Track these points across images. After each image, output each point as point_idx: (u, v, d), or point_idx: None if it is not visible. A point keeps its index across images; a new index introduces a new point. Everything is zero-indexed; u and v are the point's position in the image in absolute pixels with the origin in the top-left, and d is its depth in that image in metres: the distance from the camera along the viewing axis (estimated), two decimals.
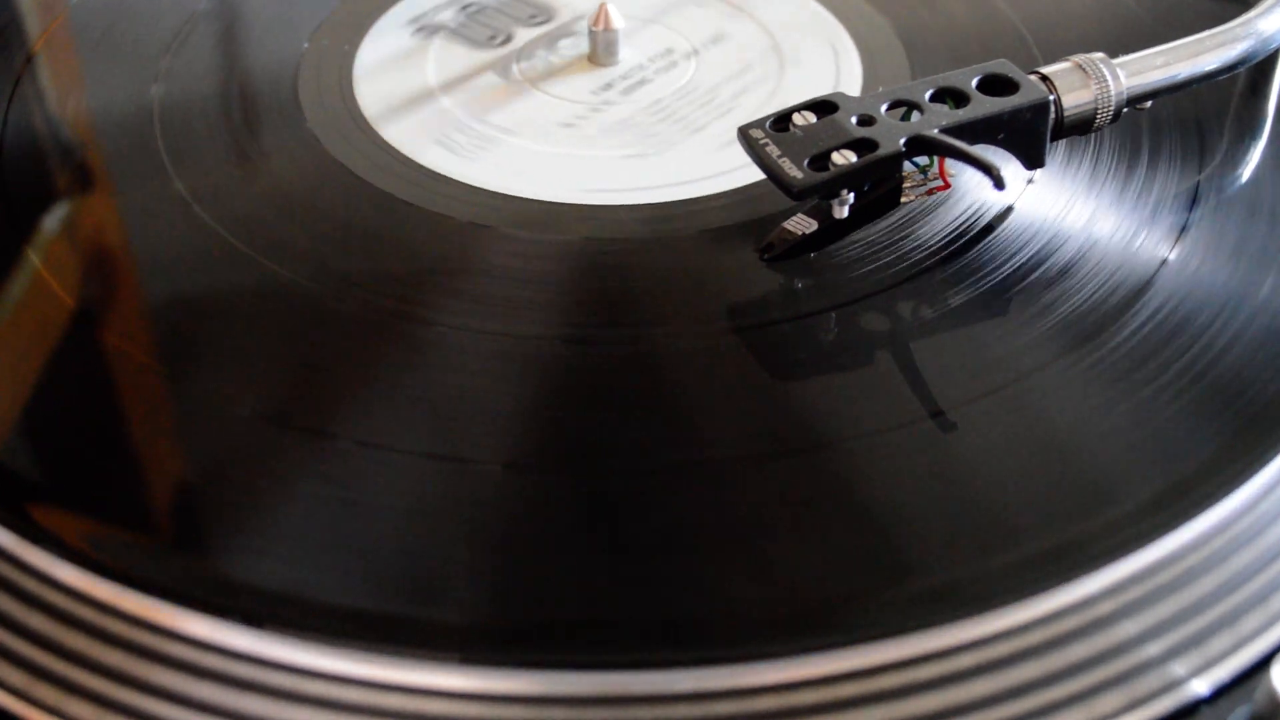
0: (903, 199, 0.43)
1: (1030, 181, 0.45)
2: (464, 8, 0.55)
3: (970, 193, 0.45)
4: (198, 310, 0.42)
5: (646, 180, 0.46)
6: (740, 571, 0.34)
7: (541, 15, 0.55)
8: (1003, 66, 0.43)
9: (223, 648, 0.33)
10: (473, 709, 0.32)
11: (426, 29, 0.54)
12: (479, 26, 0.54)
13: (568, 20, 0.55)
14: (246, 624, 0.33)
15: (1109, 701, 0.32)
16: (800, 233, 0.43)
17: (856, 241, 0.43)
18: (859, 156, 0.40)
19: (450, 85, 0.52)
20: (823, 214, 0.43)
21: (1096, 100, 0.43)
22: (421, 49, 0.53)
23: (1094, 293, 0.41)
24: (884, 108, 0.42)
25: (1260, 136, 0.48)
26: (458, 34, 0.54)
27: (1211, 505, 0.35)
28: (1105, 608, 0.33)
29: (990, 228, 0.44)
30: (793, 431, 0.38)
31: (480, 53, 0.53)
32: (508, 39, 0.54)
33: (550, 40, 0.54)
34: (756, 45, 0.53)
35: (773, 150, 0.41)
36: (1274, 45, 0.46)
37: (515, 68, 0.52)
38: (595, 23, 0.52)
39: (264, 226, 0.45)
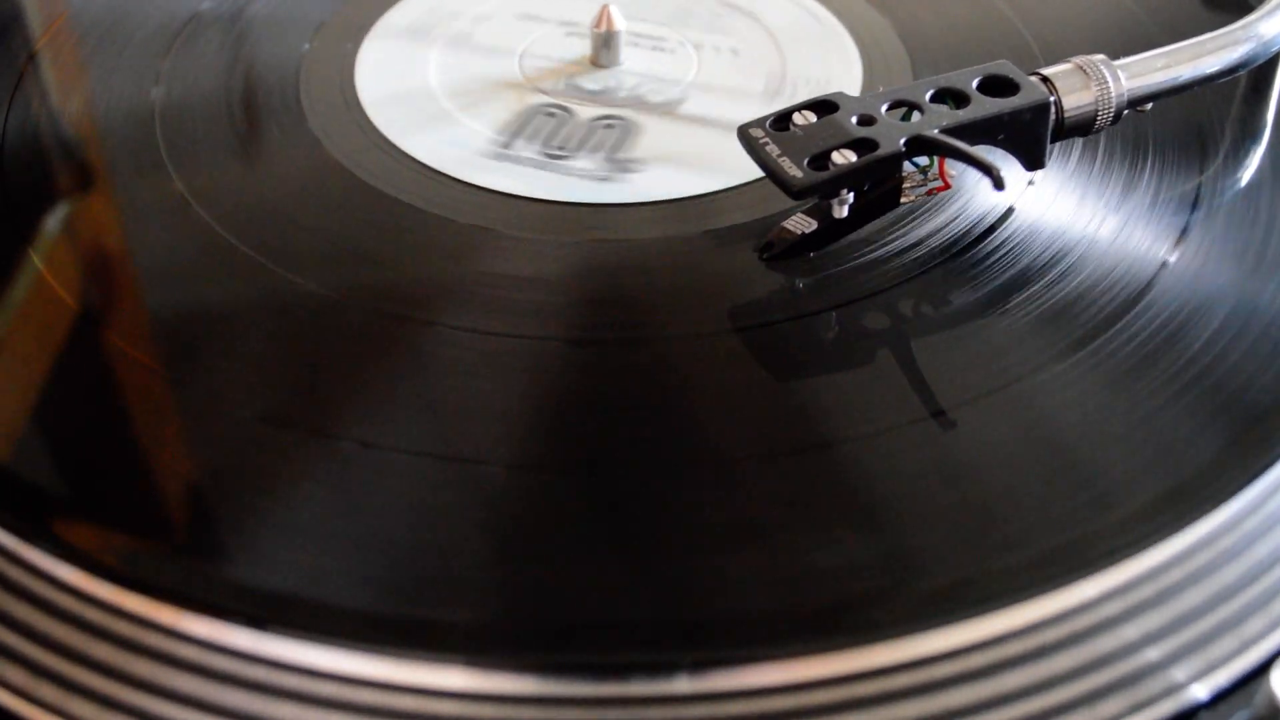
0: (902, 199, 0.43)
1: (1031, 183, 0.45)
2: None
3: (970, 193, 0.45)
4: (199, 311, 0.42)
5: (645, 180, 0.46)
6: (743, 572, 0.34)
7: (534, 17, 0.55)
8: (1003, 67, 0.43)
9: (226, 648, 0.33)
10: (477, 709, 0.32)
11: (421, 38, 0.54)
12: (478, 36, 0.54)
13: (562, 21, 0.55)
14: (250, 625, 0.33)
15: (1109, 706, 0.32)
16: (800, 232, 0.43)
17: (856, 241, 0.43)
18: (859, 156, 0.40)
19: (450, 84, 0.51)
20: (822, 214, 0.43)
21: (1097, 102, 0.43)
22: (422, 53, 0.53)
23: (1094, 294, 0.42)
24: (884, 108, 0.42)
25: (1261, 139, 0.48)
26: (455, 44, 0.54)
27: (1212, 509, 0.35)
28: (1105, 611, 0.33)
29: (991, 229, 0.44)
30: (794, 431, 0.38)
31: (483, 60, 0.53)
32: (507, 48, 0.54)
33: (551, 44, 0.54)
34: (757, 45, 0.53)
35: (773, 149, 0.41)
36: (1275, 48, 0.46)
37: (518, 69, 0.52)
38: (597, 24, 0.52)
39: (266, 227, 0.45)
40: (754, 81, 0.51)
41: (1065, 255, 0.43)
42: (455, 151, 0.48)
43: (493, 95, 0.51)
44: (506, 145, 0.49)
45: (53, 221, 0.46)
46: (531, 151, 0.48)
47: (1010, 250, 0.43)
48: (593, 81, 0.52)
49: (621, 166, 0.47)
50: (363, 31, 0.54)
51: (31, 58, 0.54)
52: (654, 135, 0.49)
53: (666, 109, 0.50)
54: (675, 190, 0.46)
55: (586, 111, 0.50)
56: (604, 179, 0.47)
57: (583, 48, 0.53)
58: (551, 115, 0.50)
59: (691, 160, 0.47)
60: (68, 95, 0.52)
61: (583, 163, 0.48)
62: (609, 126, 0.49)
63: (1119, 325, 0.41)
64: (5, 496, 0.36)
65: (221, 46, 0.54)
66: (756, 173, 0.42)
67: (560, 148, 0.48)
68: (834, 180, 0.40)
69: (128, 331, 0.42)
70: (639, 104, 0.50)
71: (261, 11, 0.56)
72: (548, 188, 0.46)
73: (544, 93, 0.51)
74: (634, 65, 0.52)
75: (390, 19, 0.55)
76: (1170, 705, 0.33)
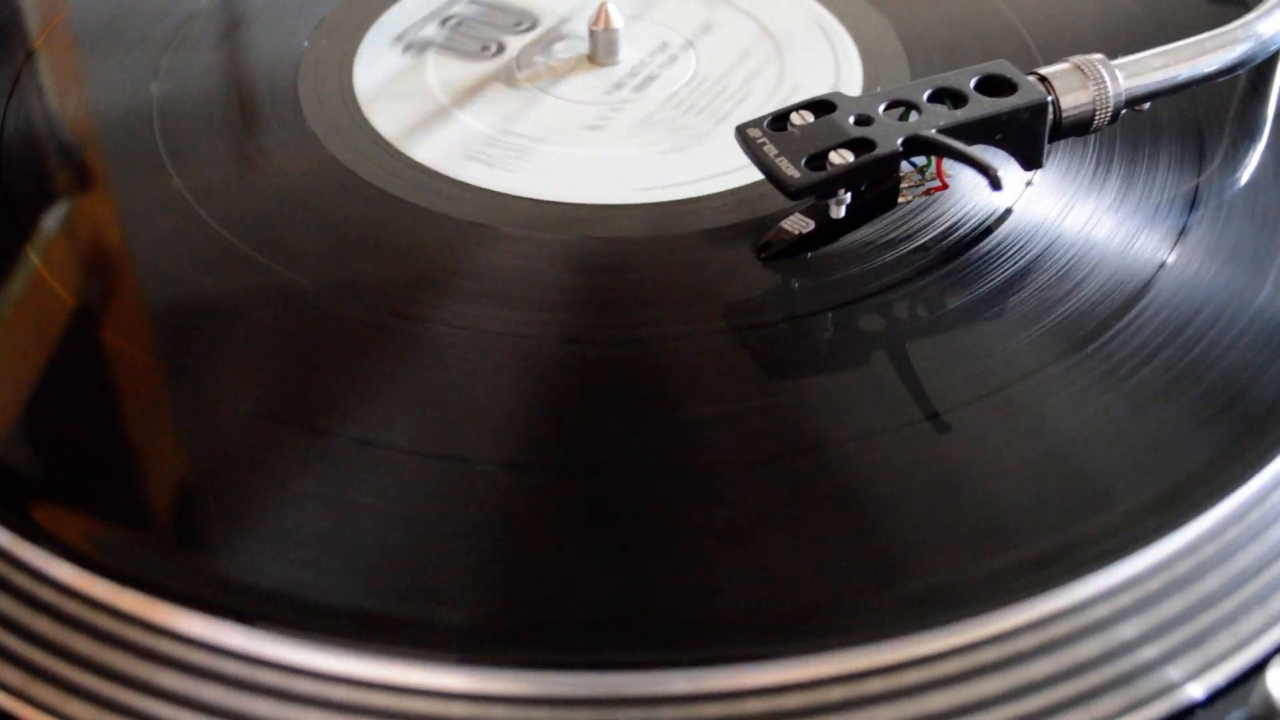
0: (900, 199, 0.43)
1: (1029, 183, 0.45)
2: (444, 21, 0.55)
3: (968, 193, 0.45)
4: (197, 309, 0.42)
5: (645, 180, 0.46)
6: (737, 573, 0.34)
7: (525, 22, 0.55)
8: (1001, 67, 0.43)
9: (219, 646, 0.33)
10: (469, 709, 0.32)
11: (414, 46, 0.53)
12: (467, 39, 0.54)
13: (554, 24, 0.54)
14: (243, 623, 0.33)
15: (1104, 705, 0.32)
16: (797, 232, 0.43)
17: (854, 241, 0.43)
18: (856, 156, 0.40)
19: (455, 91, 0.51)
20: (820, 214, 0.43)
21: (1095, 101, 0.43)
22: (421, 50, 0.53)
23: (1092, 295, 0.41)
24: (882, 108, 0.42)
25: (1260, 139, 0.48)
26: (448, 48, 0.53)
27: (1208, 509, 0.35)
28: (1101, 611, 0.33)
29: (988, 229, 0.44)
30: (789, 432, 0.38)
31: (476, 64, 0.53)
32: (500, 49, 0.53)
33: (544, 46, 0.54)
34: (757, 46, 0.53)
35: (770, 149, 0.41)
36: (1273, 48, 0.46)
37: (519, 75, 0.52)
38: (596, 23, 0.52)
39: (263, 225, 0.45)
40: (754, 82, 0.51)
41: (1063, 256, 0.43)
42: (451, 149, 0.48)
43: (492, 93, 0.51)
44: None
45: (51, 219, 0.46)
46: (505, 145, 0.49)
47: (1008, 251, 0.43)
48: (599, 79, 0.52)
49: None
50: (362, 29, 0.54)
51: (30, 55, 0.54)
52: (624, 138, 0.49)
53: (649, 113, 0.50)
54: (673, 190, 0.46)
55: (568, 107, 0.51)
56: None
57: (576, 48, 0.53)
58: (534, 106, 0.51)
59: (641, 165, 0.47)
60: (66, 93, 0.52)
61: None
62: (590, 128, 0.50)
63: (1117, 326, 0.40)
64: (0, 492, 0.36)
65: (220, 44, 0.54)
66: (755, 173, 0.42)
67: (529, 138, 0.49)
68: (831, 180, 0.40)
69: (125, 328, 0.42)
70: (624, 104, 0.51)
71: (260, 9, 0.56)
72: (407, 140, 0.48)
73: (556, 96, 0.51)
74: (633, 67, 0.52)
75: (390, 16, 0.55)
76: (1166, 704, 0.33)
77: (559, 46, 0.53)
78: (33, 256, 0.44)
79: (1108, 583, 0.34)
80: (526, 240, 0.44)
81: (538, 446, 0.38)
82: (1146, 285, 0.42)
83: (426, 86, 0.51)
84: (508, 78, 0.52)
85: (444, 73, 0.52)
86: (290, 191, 0.46)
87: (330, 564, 0.34)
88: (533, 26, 0.54)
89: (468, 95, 0.51)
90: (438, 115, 0.50)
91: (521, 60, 0.53)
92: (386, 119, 0.49)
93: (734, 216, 0.45)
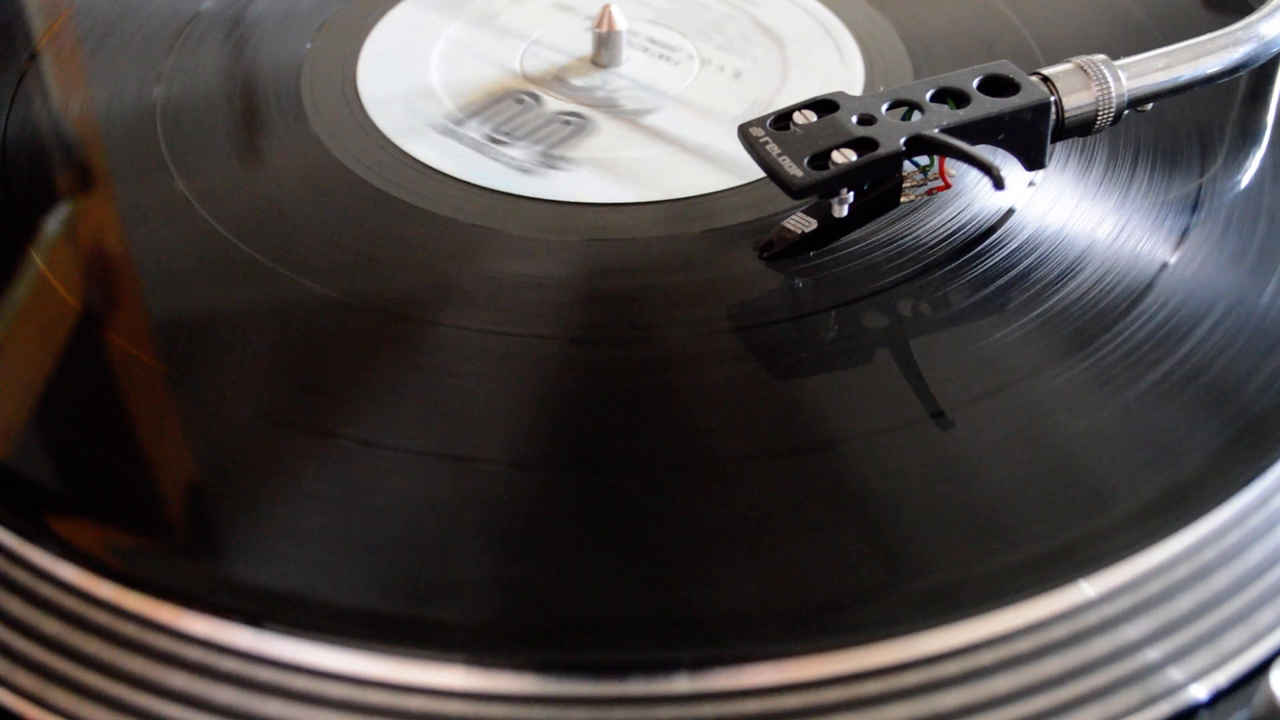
0: (903, 198, 0.43)
1: (1031, 184, 0.45)
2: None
3: (971, 193, 0.45)
4: (201, 311, 0.42)
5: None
6: (742, 572, 0.34)
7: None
8: (1004, 67, 0.43)
9: (226, 647, 0.33)
10: (477, 708, 0.32)
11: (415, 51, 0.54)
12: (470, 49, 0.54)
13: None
14: (250, 623, 0.33)
15: (1108, 706, 0.32)
16: (800, 231, 0.43)
17: (856, 241, 0.43)
18: (859, 155, 0.40)
19: (460, 93, 0.51)
20: (822, 213, 0.43)
21: (1097, 102, 0.43)
22: (424, 51, 0.53)
23: (1095, 295, 0.42)
24: (885, 107, 0.42)
25: (1262, 140, 0.48)
26: (451, 52, 0.53)
27: (1210, 510, 0.35)
28: (1104, 612, 0.33)
29: (991, 229, 0.44)
30: (793, 431, 0.38)
31: (481, 67, 0.53)
32: (502, 53, 0.53)
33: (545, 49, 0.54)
34: (761, 46, 0.53)
35: (773, 149, 0.41)
36: (1275, 49, 0.46)
37: (525, 76, 0.52)
38: (599, 24, 0.52)
39: (266, 227, 0.45)
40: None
41: (1066, 256, 0.43)
42: (456, 150, 0.48)
43: (491, 92, 0.51)
44: (459, 123, 0.49)
45: (54, 221, 0.46)
46: (477, 132, 0.49)
47: (1010, 251, 0.43)
48: (582, 79, 0.52)
49: (550, 162, 0.47)
50: (365, 31, 0.54)
51: (33, 57, 0.54)
52: (602, 139, 0.49)
53: (632, 116, 0.50)
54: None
55: (554, 105, 0.50)
56: (525, 171, 0.47)
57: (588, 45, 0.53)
58: (520, 102, 0.50)
59: (619, 170, 0.47)
60: (69, 95, 0.52)
61: (517, 151, 0.48)
62: (566, 123, 0.49)
63: (1119, 326, 0.40)
64: (6, 495, 0.36)
65: (223, 46, 0.54)
66: (758, 172, 0.42)
67: (506, 133, 0.49)
68: (834, 179, 0.40)
69: (129, 331, 0.42)
70: (609, 106, 0.50)
71: (263, 11, 0.56)
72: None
73: (532, 83, 0.51)
74: (631, 69, 0.52)
75: (392, 18, 0.55)
76: (1169, 705, 0.33)
77: (559, 52, 0.53)
78: (36, 259, 0.44)
79: (1111, 583, 0.34)
80: (531, 242, 0.44)
81: (543, 447, 0.38)
82: (1149, 285, 0.42)
83: (430, 86, 0.51)
84: (514, 80, 0.52)
85: (450, 74, 0.52)
86: (293, 194, 0.46)
87: (337, 565, 0.34)
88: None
89: (474, 97, 0.51)
90: (440, 115, 0.50)
91: (526, 62, 0.53)
92: (390, 120, 0.49)
93: (737, 216, 0.45)
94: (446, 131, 0.48)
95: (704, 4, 0.56)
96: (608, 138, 0.49)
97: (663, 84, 0.52)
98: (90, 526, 0.36)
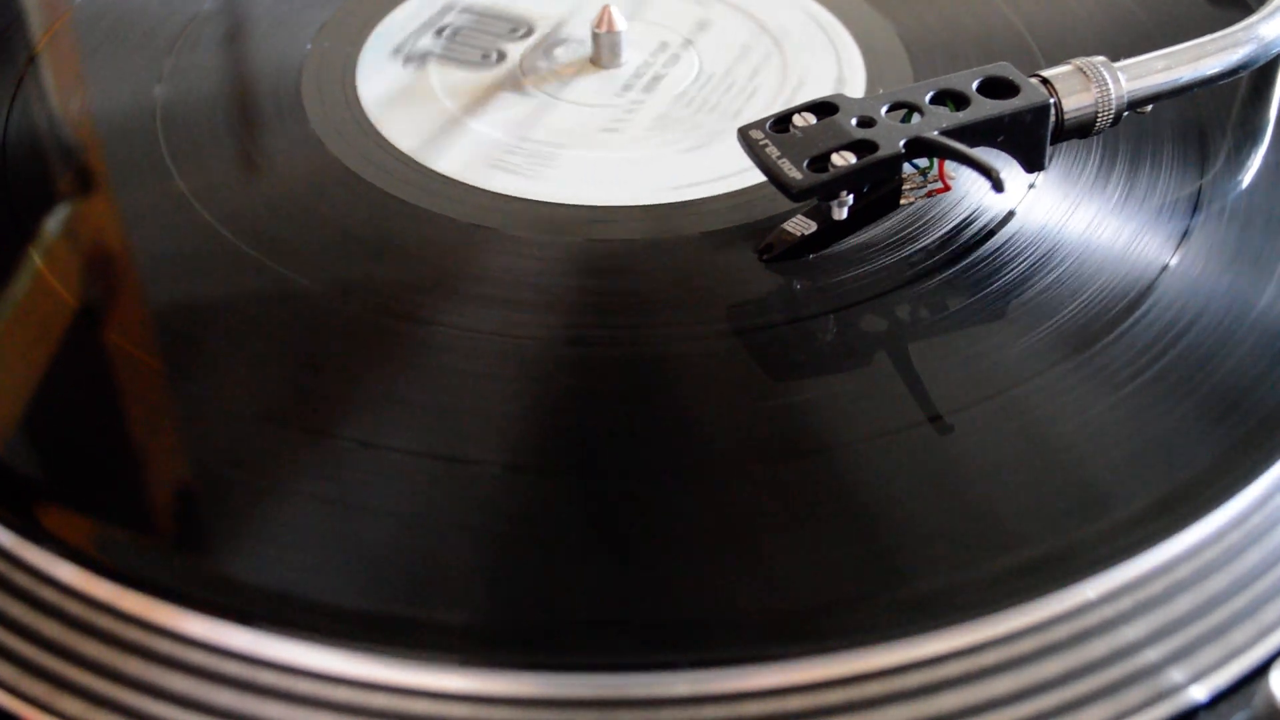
0: (902, 201, 0.43)
1: (1031, 186, 0.45)
2: (439, 32, 0.55)
3: (970, 196, 0.45)
4: (199, 311, 0.42)
5: (646, 181, 0.47)
6: (739, 574, 0.34)
7: (521, 28, 0.55)
8: (1003, 69, 0.43)
9: (222, 647, 0.33)
10: (471, 710, 0.32)
11: (414, 58, 0.53)
12: (465, 48, 0.54)
13: (550, 29, 0.54)
14: (245, 624, 0.33)
15: (1107, 708, 0.32)
16: (799, 234, 0.43)
17: (856, 244, 0.43)
18: (859, 158, 0.40)
19: (463, 100, 0.51)
20: (822, 215, 0.43)
21: (1097, 103, 0.43)
22: (421, 73, 0.53)
23: (1095, 298, 0.41)
24: (884, 109, 0.42)
25: (1262, 142, 0.48)
26: (447, 58, 0.53)
27: (1210, 512, 0.35)
28: (1103, 614, 0.33)
29: (991, 231, 0.44)
30: (791, 434, 0.38)
31: (480, 72, 0.53)
32: (501, 56, 0.53)
33: (545, 51, 0.54)
34: (759, 46, 0.53)
35: (772, 151, 0.41)
36: (1276, 50, 0.46)
37: (525, 80, 0.52)
38: (599, 25, 0.52)
39: (265, 227, 0.45)
40: (756, 83, 0.51)
41: (1066, 258, 0.43)
42: (455, 151, 0.48)
43: (492, 92, 0.51)
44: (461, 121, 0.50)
45: (54, 221, 0.46)
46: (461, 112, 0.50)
47: (1010, 253, 0.43)
48: (580, 78, 0.52)
49: (541, 160, 0.48)
50: (365, 31, 0.54)
51: (33, 57, 0.54)
52: (581, 138, 0.49)
53: (624, 116, 0.50)
54: (675, 192, 0.46)
55: (543, 101, 0.51)
56: (500, 166, 0.47)
57: (578, 51, 0.53)
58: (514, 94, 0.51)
59: (587, 168, 0.47)
60: (69, 95, 0.52)
61: (496, 135, 0.49)
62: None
63: (1120, 329, 0.40)
64: (2, 493, 0.36)
65: (223, 46, 0.54)
66: (757, 174, 0.42)
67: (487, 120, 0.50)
68: (834, 182, 0.40)
69: (128, 330, 0.42)
70: (599, 105, 0.51)
71: (263, 11, 0.56)
72: (409, 140, 0.48)
73: (565, 100, 0.51)
74: (630, 70, 0.52)
75: (393, 18, 0.55)
76: (1169, 707, 0.33)
77: (559, 51, 0.53)
78: (36, 258, 0.44)
79: (1110, 585, 0.34)
80: (529, 242, 0.44)
81: (540, 448, 0.38)
82: (1149, 288, 0.42)
83: (432, 93, 0.51)
84: (514, 84, 0.52)
85: (449, 81, 0.52)
86: (293, 194, 0.46)
87: (332, 565, 0.34)
88: (529, 33, 0.54)
89: (477, 103, 0.51)
90: (449, 124, 0.50)
91: (525, 66, 0.53)
92: (390, 120, 0.49)
93: (736, 218, 0.45)
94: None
95: (703, 4, 0.56)
96: (588, 137, 0.49)
97: (658, 85, 0.52)
98: (87, 525, 0.36)
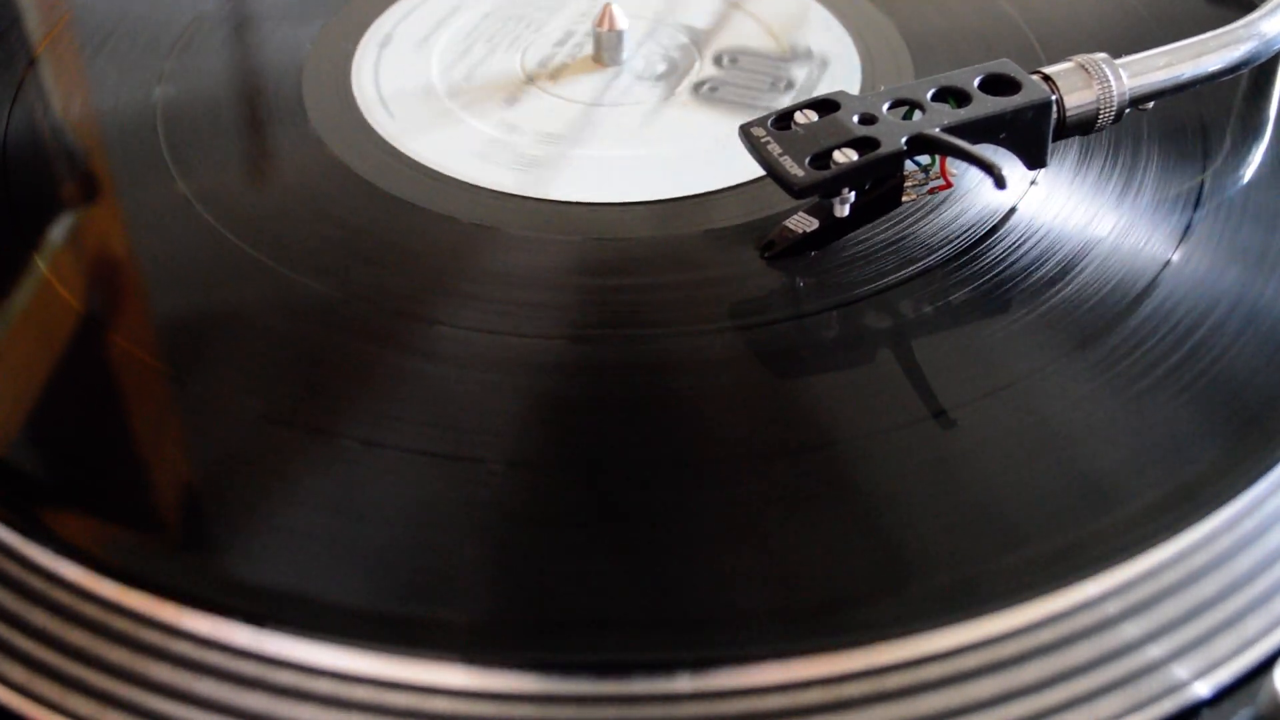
0: (904, 198, 0.43)
1: (1033, 182, 0.45)
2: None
3: (972, 192, 0.45)
4: (202, 311, 0.42)
5: (648, 179, 0.47)
6: (743, 571, 0.34)
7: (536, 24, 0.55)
8: (1005, 66, 0.43)
9: (227, 646, 0.33)
10: (476, 708, 0.32)
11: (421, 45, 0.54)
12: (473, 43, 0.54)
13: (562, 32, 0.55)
14: (250, 622, 0.33)
15: (1111, 703, 0.32)
16: (801, 231, 0.43)
17: (858, 240, 0.43)
18: (860, 155, 0.40)
19: (460, 93, 0.52)
20: (824, 212, 0.43)
21: (1099, 100, 0.43)
22: (424, 51, 0.53)
23: (1097, 293, 0.41)
24: (886, 106, 0.42)
25: (1263, 137, 0.48)
26: (451, 49, 0.54)
27: (1215, 508, 0.35)
28: (1108, 610, 0.33)
29: (993, 228, 0.44)
30: (795, 430, 0.38)
31: (482, 65, 0.53)
32: (504, 49, 0.54)
33: (549, 47, 0.54)
34: (762, 46, 0.53)
35: (774, 148, 0.41)
36: (1277, 47, 0.46)
37: (524, 75, 0.52)
38: (600, 23, 0.52)
39: (268, 228, 0.45)
40: (756, 80, 0.51)
41: (1068, 254, 0.43)
42: (456, 150, 0.48)
43: (492, 91, 0.51)
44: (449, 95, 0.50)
45: (56, 224, 0.46)
46: (456, 105, 0.50)
47: (1012, 249, 0.43)
48: (579, 76, 0.52)
49: (540, 160, 0.48)
50: (364, 31, 0.54)
51: (33, 60, 0.54)
52: (565, 135, 0.49)
53: (605, 116, 0.50)
54: (677, 189, 0.46)
55: (536, 96, 0.51)
56: (480, 155, 0.48)
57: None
58: (512, 92, 0.51)
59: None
60: (70, 97, 0.52)
61: (483, 125, 0.49)
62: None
63: (1122, 325, 0.40)
64: (8, 493, 0.36)
65: (224, 47, 0.54)
66: (758, 171, 0.42)
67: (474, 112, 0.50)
68: (835, 179, 0.40)
69: (130, 331, 0.42)
70: (589, 104, 0.51)
71: (264, 12, 0.56)
72: (410, 140, 0.48)
73: (555, 95, 0.51)
74: (631, 69, 0.52)
75: (392, 17, 0.55)
76: (1173, 703, 0.33)
77: (562, 49, 0.53)
78: (38, 261, 0.44)
79: (1115, 581, 0.34)
80: (532, 241, 0.44)
81: (543, 446, 0.38)
82: (1151, 284, 0.42)
83: (430, 85, 0.51)
84: (514, 78, 0.52)
85: (449, 74, 0.52)
86: (295, 194, 0.46)
87: (337, 564, 0.34)
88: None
89: (473, 96, 0.51)
90: (441, 115, 0.50)
91: (527, 63, 0.53)
92: (390, 120, 0.50)
93: (738, 216, 0.45)
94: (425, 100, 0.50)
95: (704, 2, 0.56)
96: (571, 134, 0.49)
97: (659, 84, 0.52)
98: (92, 525, 0.36)
